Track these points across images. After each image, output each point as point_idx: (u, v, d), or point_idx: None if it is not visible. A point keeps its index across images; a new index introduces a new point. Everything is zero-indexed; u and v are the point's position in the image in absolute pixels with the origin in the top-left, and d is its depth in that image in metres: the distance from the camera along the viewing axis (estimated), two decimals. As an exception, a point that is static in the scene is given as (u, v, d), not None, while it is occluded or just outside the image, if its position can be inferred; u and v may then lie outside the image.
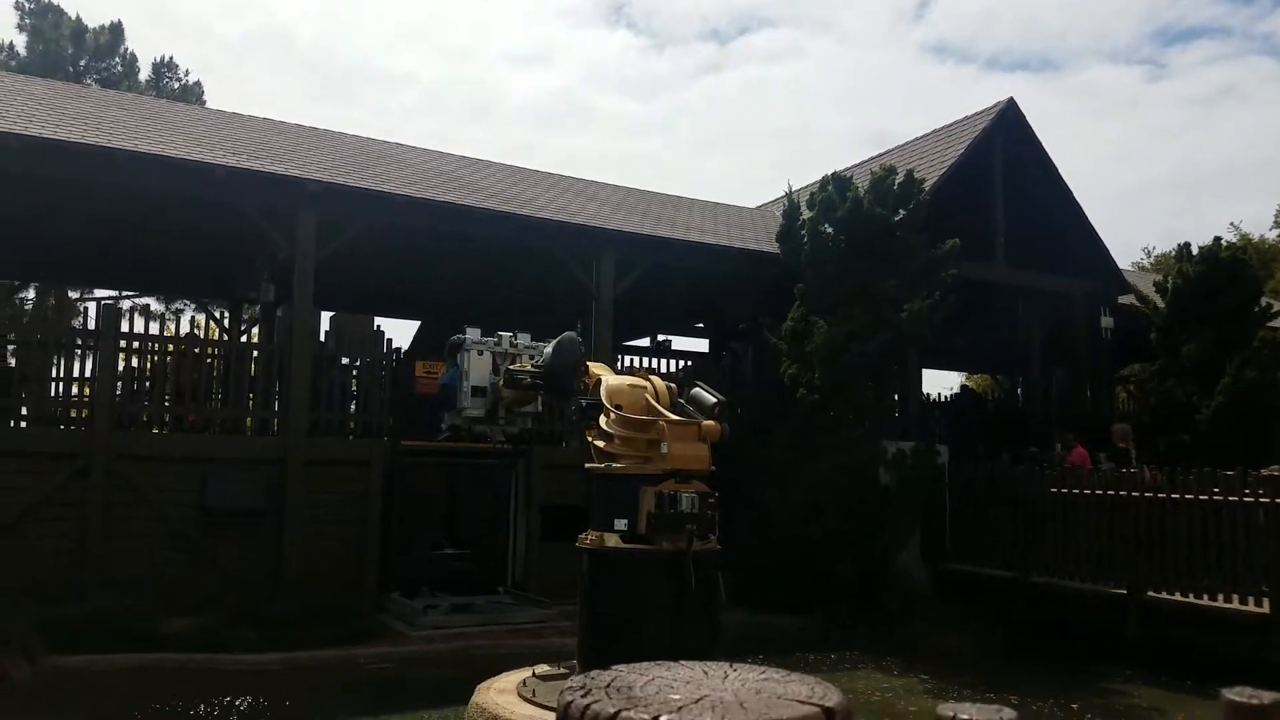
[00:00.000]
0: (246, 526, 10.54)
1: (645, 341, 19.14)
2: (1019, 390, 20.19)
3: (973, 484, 12.43)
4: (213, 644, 8.85)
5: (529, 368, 7.91)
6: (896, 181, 12.55)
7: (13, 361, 11.48)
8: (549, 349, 7.67)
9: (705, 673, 0.97)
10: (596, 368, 7.78)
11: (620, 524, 6.82)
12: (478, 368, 8.23)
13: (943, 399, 20.06)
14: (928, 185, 13.32)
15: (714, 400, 7.36)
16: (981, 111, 16.22)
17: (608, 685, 0.88)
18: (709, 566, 6.76)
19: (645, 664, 1.25)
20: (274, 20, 68.31)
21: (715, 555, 6.94)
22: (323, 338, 12.59)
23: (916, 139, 17.88)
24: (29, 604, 8.61)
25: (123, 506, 10.11)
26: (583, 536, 7.02)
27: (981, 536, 12.12)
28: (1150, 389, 15.73)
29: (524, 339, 8.30)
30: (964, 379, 32.41)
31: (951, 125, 16.90)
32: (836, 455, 11.57)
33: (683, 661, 1.99)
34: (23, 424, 10.80)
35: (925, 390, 18.08)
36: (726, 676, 0.99)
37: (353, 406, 12.33)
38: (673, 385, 7.44)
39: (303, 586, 10.44)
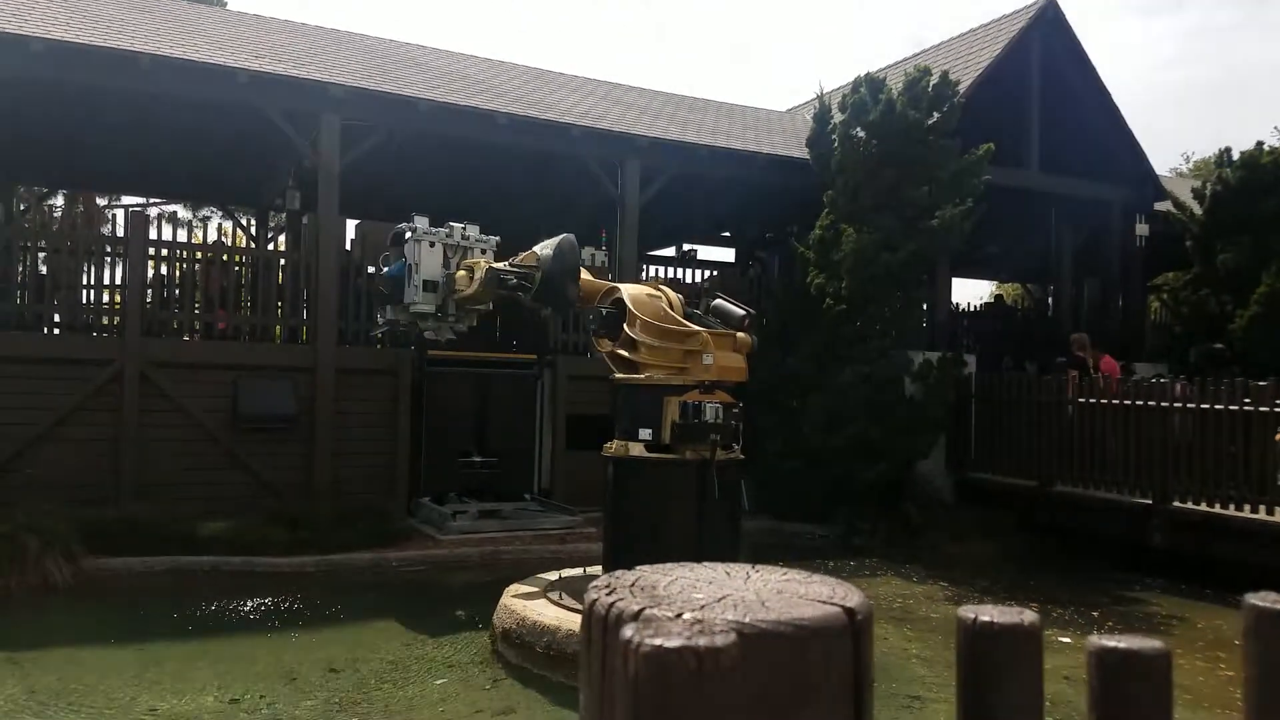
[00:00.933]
0: (278, 433, 10.76)
1: (670, 251, 18.97)
2: (1050, 300, 19.90)
3: (998, 393, 12.36)
4: (247, 547, 9.12)
5: (512, 266, 7.48)
6: (930, 83, 12.11)
7: (44, 269, 11.60)
8: (547, 251, 7.25)
9: (728, 574, 0.97)
10: (588, 279, 7.63)
11: (645, 433, 6.90)
12: (429, 260, 7.85)
13: (972, 309, 19.84)
14: (962, 87, 12.86)
15: (742, 312, 7.29)
16: (1020, 10, 15.50)
17: (632, 584, 0.88)
18: (732, 475, 6.86)
19: (669, 564, 1.25)
20: (519, 28, 66.16)
21: (739, 464, 7.04)
22: (348, 246, 12.61)
23: (952, 39, 17.17)
24: (68, 507, 8.88)
25: (156, 412, 10.32)
26: (607, 445, 7.12)
27: (1006, 446, 12.10)
28: (1183, 298, 15.43)
29: (474, 230, 8.15)
30: (995, 288, 31.97)
31: (989, 25, 16.19)
32: (862, 365, 11.52)
33: (705, 563, 2.03)
34: (55, 330, 11.00)
35: (955, 300, 17.88)
36: (749, 578, 1.00)
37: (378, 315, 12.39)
38: (682, 296, 7.35)
39: (334, 492, 10.70)
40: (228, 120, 12.12)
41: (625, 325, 6.89)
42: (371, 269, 12.22)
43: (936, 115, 11.94)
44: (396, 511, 10.92)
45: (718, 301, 7.47)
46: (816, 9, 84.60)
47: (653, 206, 13.31)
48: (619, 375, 7.08)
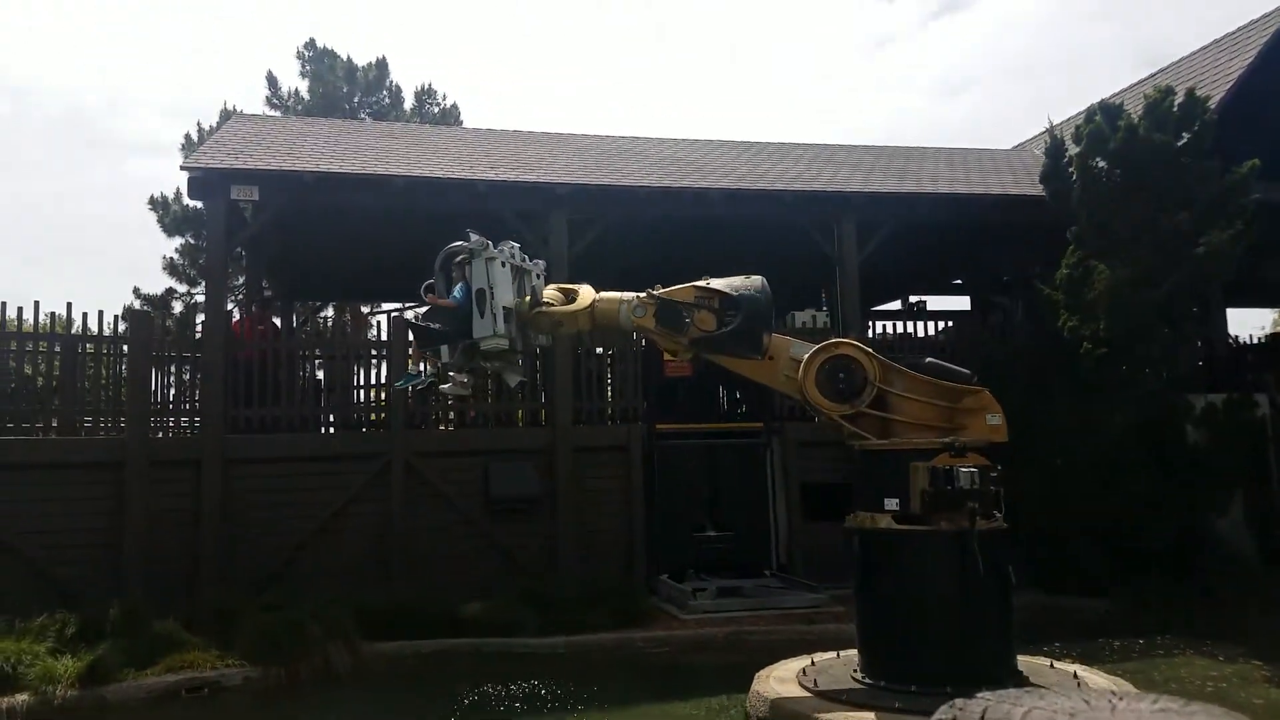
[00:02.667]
0: (525, 513, 11.24)
1: (896, 305, 18.28)
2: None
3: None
4: (503, 628, 9.43)
5: (700, 292, 6.58)
6: (1176, 103, 11.07)
7: (320, 375, 12.92)
8: (744, 282, 6.58)
9: (1088, 703, 0.84)
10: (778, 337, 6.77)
11: (891, 503, 6.47)
12: (504, 284, 6.58)
13: (1256, 341, 17.56)
14: (1212, 103, 11.65)
15: (967, 372, 6.75)
16: (1269, 14, 14.00)
17: (981, 716, 0.76)
18: (996, 547, 6.26)
19: (1014, 691, 1.13)
20: (523, 32, 72.19)
21: (1002, 534, 6.42)
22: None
23: (1189, 55, 15.83)
24: (344, 592, 9.64)
25: (419, 500, 11.09)
26: (851, 517, 6.75)
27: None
28: None
29: (516, 248, 6.93)
30: (1277, 317, 28.26)
31: (1234, 33, 14.78)
32: (1131, 413, 10.41)
33: (1058, 691, 1.83)
34: (331, 429, 12.16)
35: (1232, 332, 15.92)
36: (1114, 708, 0.83)
37: (608, 394, 12.77)
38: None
39: (577, 569, 11.01)
40: (469, 225, 13.11)
41: (873, 381, 6.49)
42: (599, 349, 12.66)
43: (1186, 136, 10.86)
44: (637, 589, 11.00)
45: (930, 361, 6.92)
46: (1023, 50, 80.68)
47: (874, 261, 12.96)
48: (860, 441, 6.76)
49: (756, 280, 6.63)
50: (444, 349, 6.71)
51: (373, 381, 12.97)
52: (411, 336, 7.51)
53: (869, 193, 12.79)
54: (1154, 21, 76.04)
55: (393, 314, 20.49)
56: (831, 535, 7.41)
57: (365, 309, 24.07)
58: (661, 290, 6.77)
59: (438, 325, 6.77)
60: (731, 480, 12.25)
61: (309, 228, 13.52)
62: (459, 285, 6.70)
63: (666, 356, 13.18)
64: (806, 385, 6.46)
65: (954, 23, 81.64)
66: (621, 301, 6.84)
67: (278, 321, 14.44)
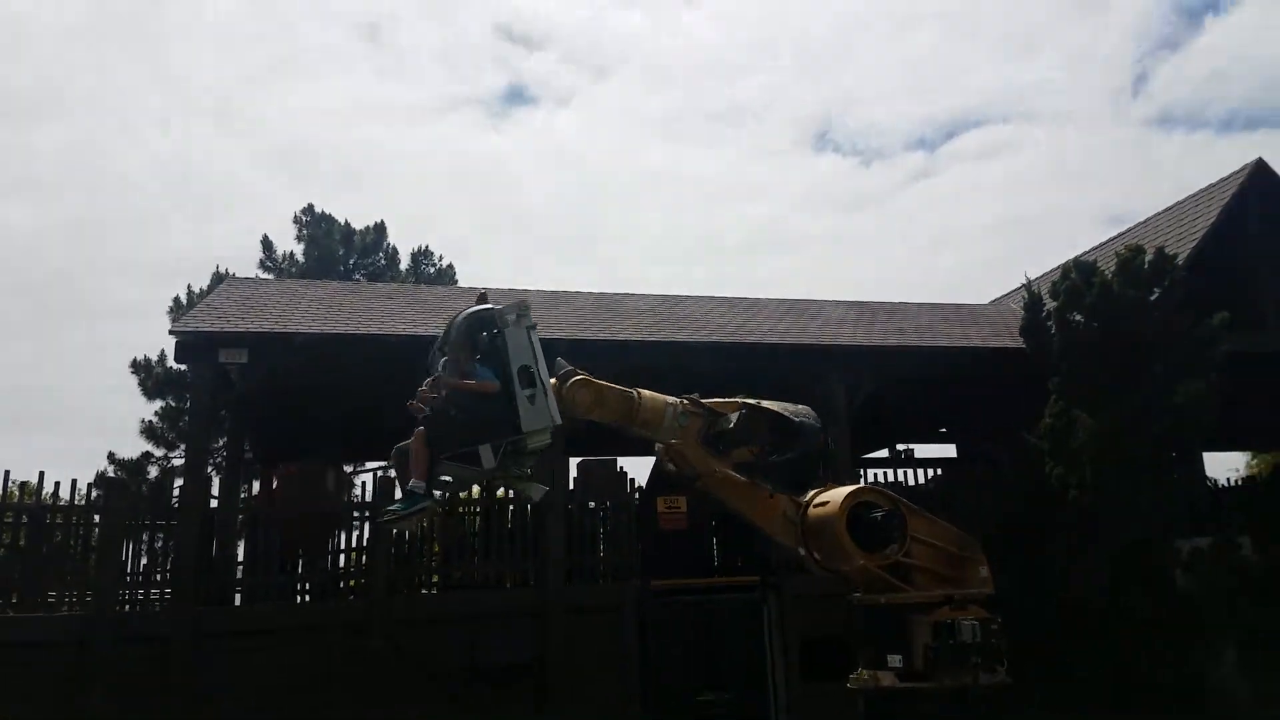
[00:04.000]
0: (515, 680, 10.76)
1: (884, 453, 18.35)
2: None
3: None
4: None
5: (784, 409, 6.23)
6: (1146, 260, 11.64)
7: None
8: (791, 413, 6.25)
9: None
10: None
11: (894, 660, 6.31)
12: (542, 360, 5.56)
13: (1233, 484, 17.63)
14: (1180, 259, 12.25)
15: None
16: (1226, 178, 15.04)
17: None
18: (1001, 704, 6.08)
19: None
20: (517, 202, 75.29)
21: (1007, 689, 6.24)
22: (571, 484, 13.04)
23: (1156, 215, 16.78)
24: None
25: (402, 671, 10.59)
26: (854, 675, 6.55)
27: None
28: None
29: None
30: (1249, 459, 28.57)
31: (1195, 196, 15.74)
32: (1122, 561, 10.35)
33: None
34: (306, 598, 11.67)
35: (1210, 476, 16.02)
36: None
37: (601, 549, 12.53)
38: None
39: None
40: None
41: (908, 529, 6.35)
42: (592, 504, 12.42)
43: (1158, 291, 11.37)
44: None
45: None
46: (996, 209, 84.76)
47: (863, 410, 13.14)
48: (857, 595, 6.64)
49: (805, 408, 6.40)
50: (485, 451, 5.31)
51: (353, 545, 12.70)
52: (420, 445, 5.44)
53: (857, 345, 13.16)
54: (1108, 189, 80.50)
55: (377, 473, 20.43)
56: (834, 694, 7.13)
57: (349, 469, 23.89)
58: (708, 401, 6.23)
59: (461, 415, 5.39)
60: (728, 638, 11.88)
61: (297, 388, 13.55)
62: (470, 366, 5.49)
63: (661, 509, 13.12)
64: (835, 528, 6.13)
65: (929, 185, 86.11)
66: (668, 404, 6.19)
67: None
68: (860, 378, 12.95)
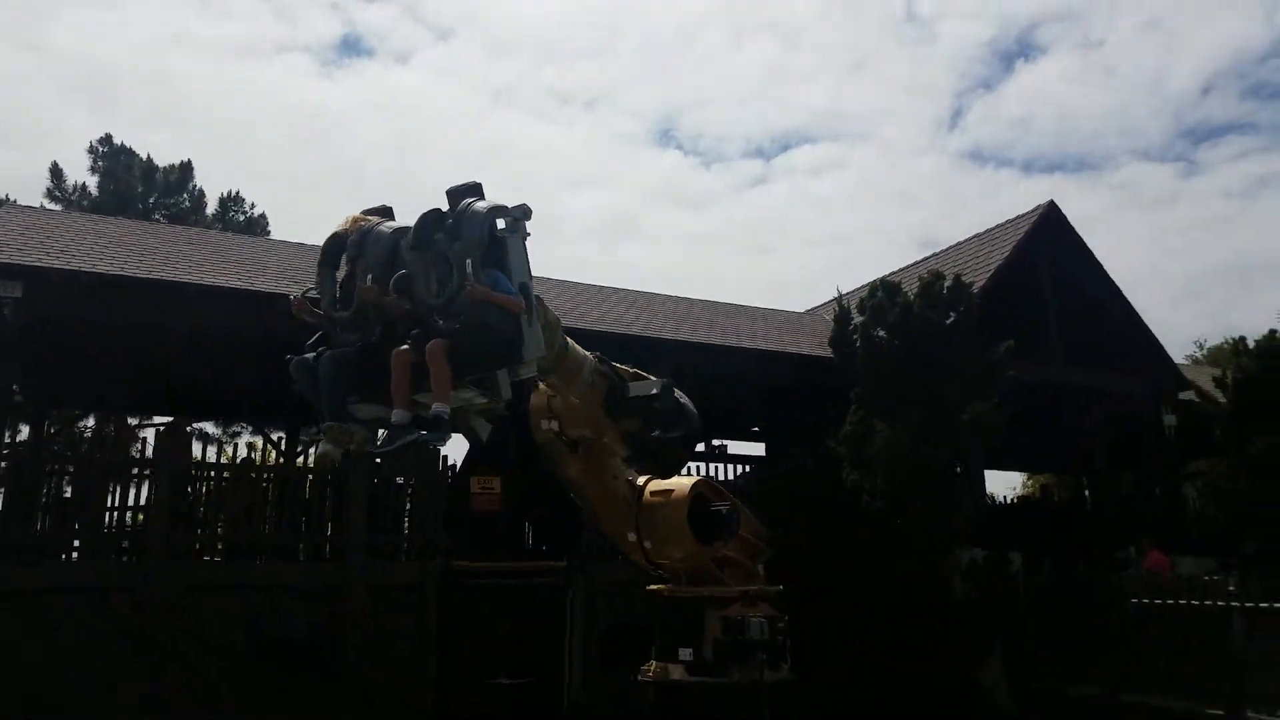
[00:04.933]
0: (305, 656, 10.27)
1: (700, 446, 18.85)
2: (1086, 492, 19.46)
3: (1051, 594, 11.78)
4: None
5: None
6: (945, 286, 12.48)
7: (69, 491, 11.54)
8: (677, 394, 6.18)
9: None
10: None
11: (685, 654, 6.44)
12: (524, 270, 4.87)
13: (1009, 501, 19.37)
14: (975, 288, 13.24)
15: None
16: (1023, 215, 16.30)
17: None
18: (784, 700, 6.33)
19: None
20: (345, 156, 71.53)
21: (790, 686, 6.51)
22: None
23: (961, 242, 17.95)
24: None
25: (181, 642, 9.91)
26: (645, 667, 6.66)
27: (1065, 651, 11.39)
28: (1222, 487, 15.03)
29: None
30: (1026, 479, 31.44)
31: (995, 229, 16.96)
32: (907, 564, 11.13)
33: None
34: (75, 555, 10.75)
35: (990, 492, 17.51)
36: None
37: (406, 527, 12.16)
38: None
39: (362, 717, 10.08)
40: (266, 342, 12.44)
41: (742, 523, 6.43)
42: (400, 479, 12.02)
43: (954, 315, 12.21)
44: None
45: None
46: (821, 223, 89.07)
47: (679, 405, 13.37)
48: (658, 586, 6.74)
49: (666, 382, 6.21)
50: (502, 377, 4.72)
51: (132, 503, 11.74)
52: (436, 356, 4.50)
53: (680, 341, 13.36)
54: (923, 213, 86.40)
55: (162, 429, 18.97)
56: (626, 681, 7.22)
57: (134, 421, 22.09)
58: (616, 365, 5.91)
59: (477, 340, 4.58)
60: (531, 623, 11.80)
61: (80, 332, 12.31)
62: (490, 274, 4.64)
63: (475, 489, 12.83)
64: (677, 518, 6.09)
65: (764, 193, 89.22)
66: (587, 358, 5.92)
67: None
68: (682, 373, 13.18)
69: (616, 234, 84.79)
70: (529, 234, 4.88)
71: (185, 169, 26.48)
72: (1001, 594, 11.69)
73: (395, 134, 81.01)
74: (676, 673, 6.30)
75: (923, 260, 17.97)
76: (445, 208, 4.89)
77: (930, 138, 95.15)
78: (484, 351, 4.62)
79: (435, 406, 4.50)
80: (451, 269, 4.65)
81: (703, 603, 6.29)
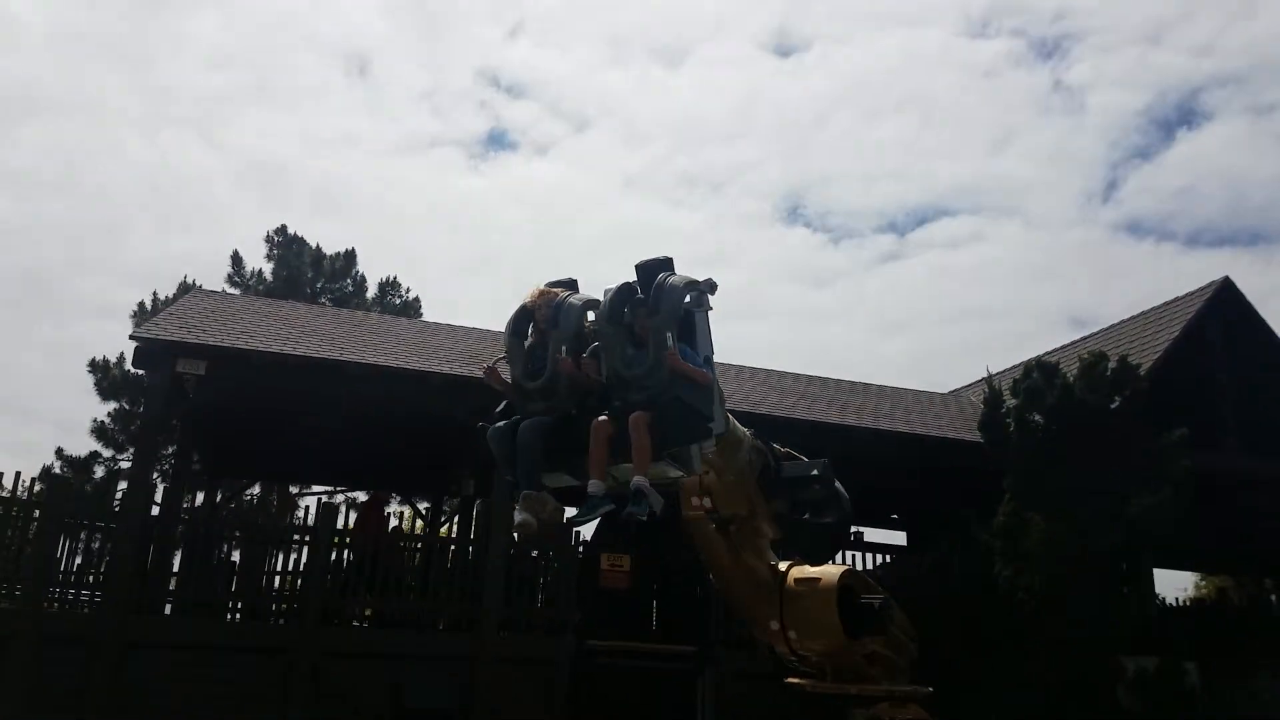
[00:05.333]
0: (437, 727, 10.44)
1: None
2: (1273, 596, 17.67)
3: (1234, 709, 10.65)
4: None
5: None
6: (1109, 367, 11.79)
7: (236, 557, 12.29)
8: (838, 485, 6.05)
9: None
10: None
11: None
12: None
13: (1181, 604, 17.78)
14: (1142, 370, 12.44)
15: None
16: (1194, 292, 15.33)
17: None
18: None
19: None
20: (488, 242, 75.31)
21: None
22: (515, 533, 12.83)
23: (1122, 322, 17.04)
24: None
25: (323, 705, 10.26)
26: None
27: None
28: None
29: None
30: (1198, 580, 28.83)
31: (1160, 307, 16.04)
32: (1066, 671, 10.30)
33: None
34: (237, 616, 11.38)
35: (1159, 594, 16.12)
36: None
37: (539, 601, 12.27)
38: None
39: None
40: (418, 417, 13.05)
41: (895, 617, 6.19)
42: (534, 553, 12.14)
43: (1119, 399, 11.50)
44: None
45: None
46: (960, 299, 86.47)
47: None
48: (797, 680, 6.50)
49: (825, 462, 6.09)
50: (694, 451, 4.77)
51: (289, 568, 12.37)
52: (639, 429, 4.50)
53: (812, 421, 13.09)
54: (1071, 290, 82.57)
55: (321, 500, 20.03)
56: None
57: (294, 490, 23.42)
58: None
59: (681, 416, 4.61)
60: (659, 708, 11.56)
61: (252, 406, 13.29)
62: (680, 347, 4.68)
63: (604, 565, 12.86)
64: (825, 607, 5.81)
65: (897, 269, 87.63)
66: (747, 434, 5.78)
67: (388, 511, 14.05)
68: (814, 455, 12.90)
69: (737, 312, 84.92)
70: (712, 308, 4.94)
71: (349, 256, 28.47)
72: (1175, 708, 10.61)
73: (532, 220, 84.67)
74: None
75: (1079, 341, 17.11)
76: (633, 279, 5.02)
77: (1081, 210, 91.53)
78: (681, 425, 4.64)
79: (636, 479, 4.51)
80: (638, 342, 4.71)
81: (847, 700, 6.02)
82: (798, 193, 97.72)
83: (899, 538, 19.18)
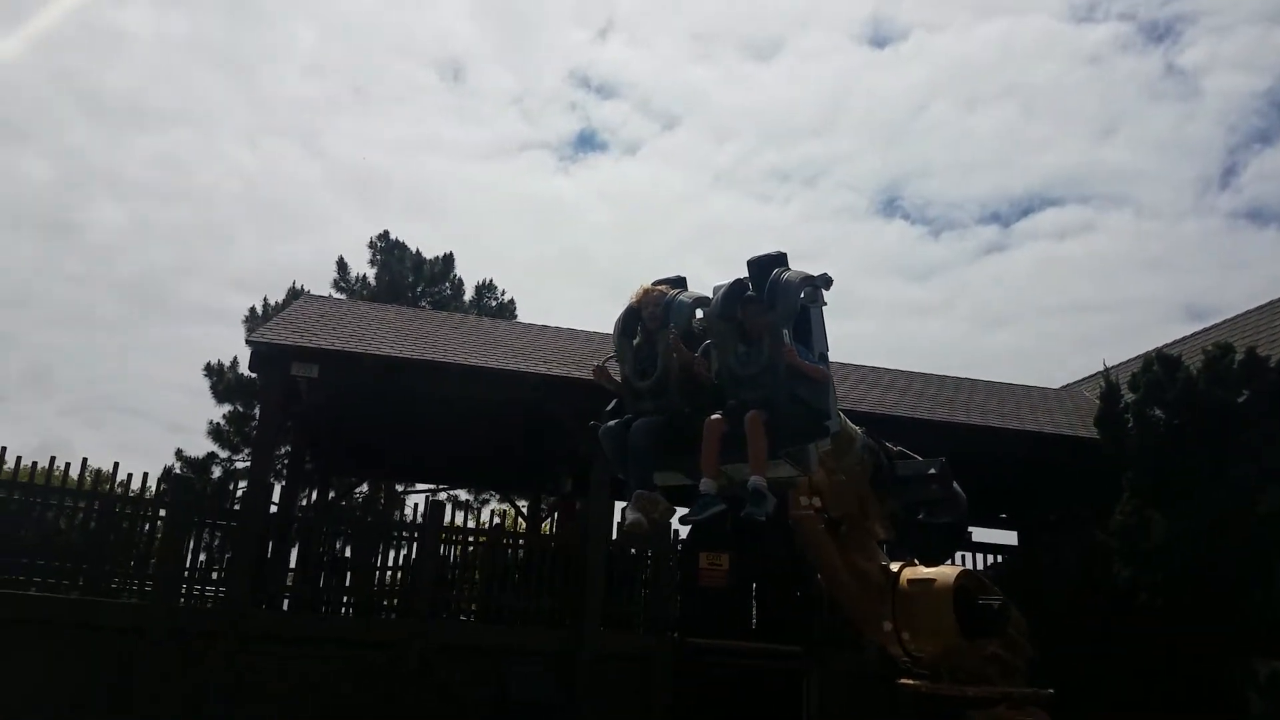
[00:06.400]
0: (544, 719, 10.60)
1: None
2: None
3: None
4: None
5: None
6: (1236, 359, 11.13)
7: (348, 551, 12.73)
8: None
9: None
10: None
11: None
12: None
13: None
14: (1273, 361, 11.70)
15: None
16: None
17: None
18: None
19: None
20: (576, 242, 76.15)
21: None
22: (614, 530, 12.92)
23: (1247, 312, 16.12)
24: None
25: (430, 697, 10.53)
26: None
27: None
28: None
29: None
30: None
31: (1292, 292, 15.06)
32: (1191, 675, 9.78)
33: None
34: (350, 611, 11.78)
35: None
36: None
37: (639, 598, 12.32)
38: None
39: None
40: (516, 416, 13.29)
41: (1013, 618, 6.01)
42: (634, 550, 12.22)
43: (1247, 393, 10.85)
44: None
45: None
46: (1068, 291, 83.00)
47: (922, 490, 12.73)
48: (910, 681, 6.36)
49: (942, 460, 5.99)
50: (812, 450, 4.71)
51: (399, 564, 12.74)
52: (755, 428, 4.47)
53: (918, 419, 12.78)
54: (1188, 281, 78.26)
55: (429, 496, 20.61)
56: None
57: (400, 488, 24.14)
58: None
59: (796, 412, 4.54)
60: (763, 707, 11.51)
61: (362, 407, 13.78)
62: (797, 345, 4.62)
63: (703, 564, 12.86)
64: (942, 608, 5.71)
65: (1000, 260, 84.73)
66: (858, 432, 5.69)
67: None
68: (921, 453, 12.59)
69: (832, 308, 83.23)
70: (827, 303, 4.86)
71: (448, 260, 29.21)
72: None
73: (621, 220, 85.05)
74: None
75: (1202, 332, 16.24)
76: (744, 276, 4.98)
77: (1196, 198, 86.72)
78: (799, 424, 4.56)
79: (754, 479, 4.44)
80: (750, 339, 4.64)
81: (964, 702, 5.85)
82: (895, 185, 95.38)
83: (1009, 537, 18.56)
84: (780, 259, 4.84)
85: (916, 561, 6.15)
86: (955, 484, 5.91)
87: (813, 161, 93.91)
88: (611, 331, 5.26)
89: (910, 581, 5.96)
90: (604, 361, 5.36)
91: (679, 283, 5.18)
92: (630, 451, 4.77)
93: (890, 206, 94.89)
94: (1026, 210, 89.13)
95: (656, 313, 4.94)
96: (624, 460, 4.84)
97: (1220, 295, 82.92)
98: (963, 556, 13.35)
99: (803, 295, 4.74)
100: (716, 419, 4.60)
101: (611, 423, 5.05)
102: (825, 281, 4.78)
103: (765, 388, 4.55)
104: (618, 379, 5.17)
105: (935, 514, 5.81)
